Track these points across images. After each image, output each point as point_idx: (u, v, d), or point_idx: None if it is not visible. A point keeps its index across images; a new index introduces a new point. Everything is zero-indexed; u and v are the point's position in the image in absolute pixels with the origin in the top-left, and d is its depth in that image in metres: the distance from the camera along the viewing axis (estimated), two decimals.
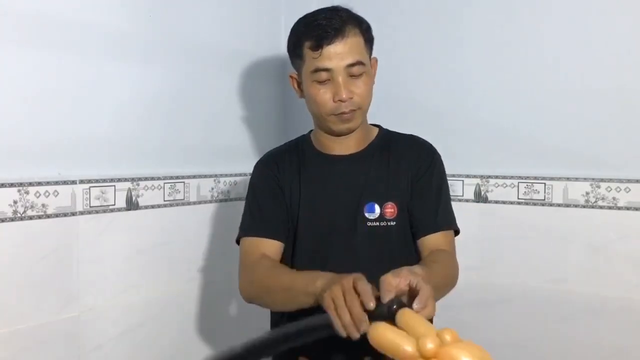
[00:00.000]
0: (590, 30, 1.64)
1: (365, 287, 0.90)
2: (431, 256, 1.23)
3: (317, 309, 0.99)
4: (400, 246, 1.28)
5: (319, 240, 1.28)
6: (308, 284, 1.05)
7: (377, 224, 1.25)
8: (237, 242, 1.33)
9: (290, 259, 1.31)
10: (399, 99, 1.89)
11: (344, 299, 0.91)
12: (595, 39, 1.63)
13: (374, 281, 0.92)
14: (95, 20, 1.46)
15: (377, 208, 1.26)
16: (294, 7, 1.96)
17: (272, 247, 1.27)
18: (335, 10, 1.24)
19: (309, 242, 1.30)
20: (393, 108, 1.87)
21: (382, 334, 0.76)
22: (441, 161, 1.34)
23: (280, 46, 2.00)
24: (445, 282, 1.18)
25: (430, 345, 0.70)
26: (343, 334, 0.90)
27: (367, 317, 0.87)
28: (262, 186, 1.34)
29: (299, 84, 1.30)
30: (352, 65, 1.21)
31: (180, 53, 1.68)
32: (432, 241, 1.26)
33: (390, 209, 1.26)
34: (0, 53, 1.29)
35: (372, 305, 0.87)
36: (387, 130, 1.38)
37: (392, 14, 1.90)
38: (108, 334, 1.51)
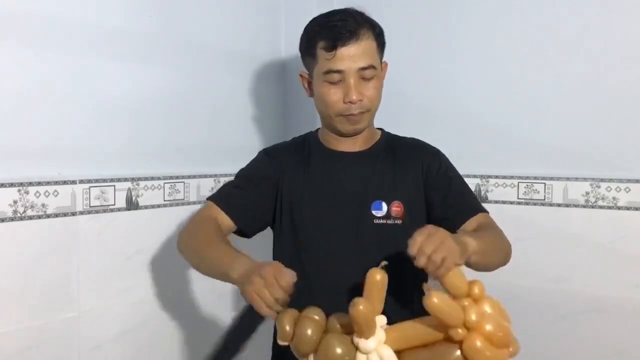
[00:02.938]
0: (590, 30, 1.64)
1: (283, 279, 0.99)
2: (476, 229, 1.22)
3: None
4: (406, 245, 1.28)
5: (325, 235, 1.28)
6: (227, 272, 1.09)
7: (384, 221, 1.25)
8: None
9: (295, 253, 1.30)
10: (399, 99, 1.89)
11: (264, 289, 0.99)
12: (596, 39, 1.63)
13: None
14: (95, 20, 1.46)
15: (384, 206, 1.26)
16: (294, 7, 1.97)
17: (225, 223, 1.28)
18: (350, 13, 1.24)
19: (314, 237, 1.29)
20: (392, 108, 1.85)
21: (438, 305, 0.92)
22: (447, 158, 1.35)
23: (280, 46, 2.00)
24: (494, 247, 1.17)
25: (473, 317, 0.92)
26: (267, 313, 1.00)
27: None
28: (253, 172, 1.35)
29: (309, 83, 1.30)
30: (364, 68, 1.22)
31: (181, 53, 1.68)
32: (473, 224, 1.25)
33: (397, 208, 1.26)
34: (0, 53, 1.29)
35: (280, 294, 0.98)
36: (390, 133, 1.39)
37: (392, 14, 1.90)
38: (108, 334, 1.51)
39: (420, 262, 0.98)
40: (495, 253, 1.18)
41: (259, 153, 1.40)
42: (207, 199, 1.33)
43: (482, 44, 1.79)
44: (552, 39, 1.69)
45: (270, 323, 1.37)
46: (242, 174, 1.36)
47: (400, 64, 1.86)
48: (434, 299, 0.91)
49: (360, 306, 0.94)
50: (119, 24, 1.52)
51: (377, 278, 0.99)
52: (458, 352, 0.94)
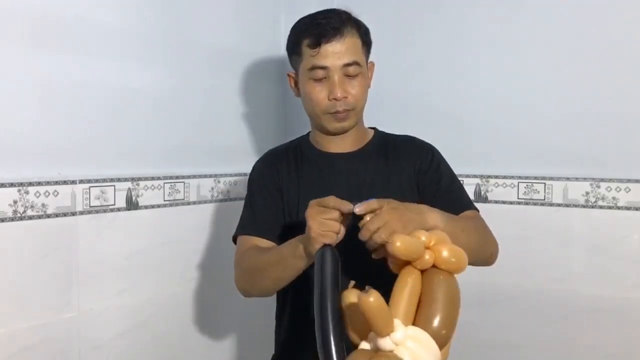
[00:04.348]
0: (590, 30, 1.64)
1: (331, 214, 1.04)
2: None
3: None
4: None
5: None
6: (294, 250, 1.10)
7: None
8: (234, 241, 1.34)
9: None
10: (399, 99, 1.89)
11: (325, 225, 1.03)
12: (595, 39, 1.63)
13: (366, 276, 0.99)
14: (95, 20, 1.46)
15: None
16: (294, 7, 1.96)
17: (263, 244, 1.28)
18: (334, 12, 1.26)
19: None
20: (393, 108, 1.87)
21: (403, 248, 0.91)
22: (441, 154, 1.35)
23: (280, 46, 2.00)
24: (470, 234, 1.14)
25: (423, 238, 0.93)
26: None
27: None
28: (258, 185, 1.35)
29: (296, 83, 1.31)
30: (348, 64, 1.22)
31: (181, 53, 1.68)
32: None
33: None
34: (1, 53, 1.29)
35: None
36: (383, 132, 1.39)
37: (392, 14, 1.90)
38: (107, 334, 1.51)
39: (364, 236, 1.01)
40: (469, 240, 1.13)
41: (255, 164, 1.39)
42: (234, 236, 1.33)
43: (482, 44, 1.79)
44: (553, 38, 1.69)
45: (269, 324, 1.38)
46: (251, 195, 1.36)
47: (400, 63, 1.88)
48: (398, 243, 0.90)
49: (370, 298, 0.83)
50: (119, 24, 1.52)
51: (371, 300, 0.86)
52: (443, 276, 0.94)
